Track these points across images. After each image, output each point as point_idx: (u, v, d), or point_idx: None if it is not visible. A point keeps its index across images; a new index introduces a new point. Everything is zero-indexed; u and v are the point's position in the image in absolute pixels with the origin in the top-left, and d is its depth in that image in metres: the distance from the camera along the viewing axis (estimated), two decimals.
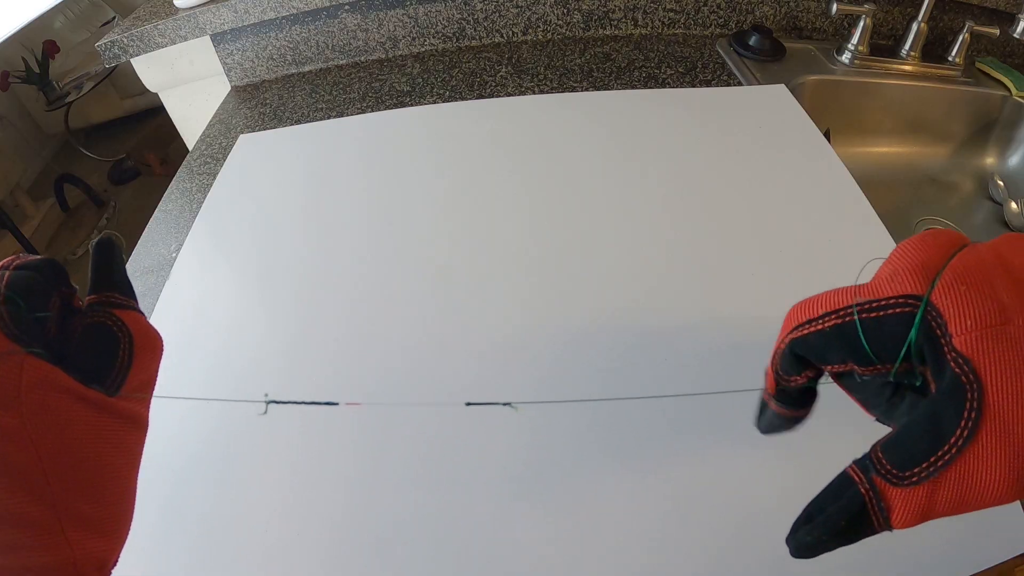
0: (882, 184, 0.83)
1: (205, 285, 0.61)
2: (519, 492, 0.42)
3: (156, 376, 0.26)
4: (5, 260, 0.23)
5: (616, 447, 0.44)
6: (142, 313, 0.26)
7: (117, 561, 0.23)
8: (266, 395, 0.44)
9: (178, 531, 0.43)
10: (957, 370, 0.19)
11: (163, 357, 0.27)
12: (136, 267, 0.64)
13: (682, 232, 0.59)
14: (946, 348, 0.20)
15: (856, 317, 0.22)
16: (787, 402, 0.25)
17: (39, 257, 0.24)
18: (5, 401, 0.20)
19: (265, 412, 0.41)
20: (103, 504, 0.22)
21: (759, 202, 0.62)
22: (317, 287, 0.58)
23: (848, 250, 0.56)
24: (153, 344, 0.25)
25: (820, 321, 0.23)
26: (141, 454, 0.25)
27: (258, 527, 0.42)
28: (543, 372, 0.49)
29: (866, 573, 0.37)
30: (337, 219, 0.65)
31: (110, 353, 0.23)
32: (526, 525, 0.41)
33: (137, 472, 0.25)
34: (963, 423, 0.19)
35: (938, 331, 0.20)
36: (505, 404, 0.43)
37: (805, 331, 0.23)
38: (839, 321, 0.22)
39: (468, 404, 0.45)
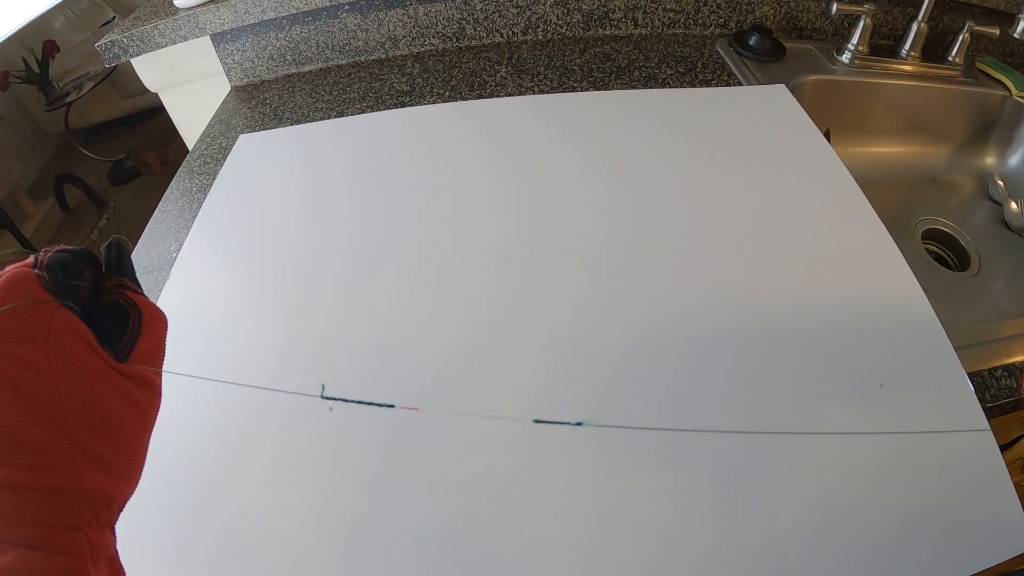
0: (882, 184, 0.83)
1: (205, 285, 0.61)
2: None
3: (164, 345, 0.30)
4: (49, 247, 0.27)
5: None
6: (147, 297, 0.30)
7: (123, 507, 0.26)
8: (323, 386, 0.43)
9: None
10: None
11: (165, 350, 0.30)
12: (136, 267, 0.63)
13: (681, 232, 0.59)
14: None
15: None
16: None
17: (78, 247, 0.28)
18: (36, 337, 0.24)
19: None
20: (113, 447, 0.25)
21: (759, 202, 0.62)
22: (314, 288, 0.58)
23: (848, 250, 0.56)
24: (158, 317, 0.29)
25: None
26: (154, 415, 0.28)
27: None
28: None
29: (869, 573, 0.37)
30: (337, 219, 0.65)
31: (123, 323, 0.28)
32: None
33: (150, 431, 0.28)
34: None
35: None
36: (576, 424, 0.40)
37: None
38: None
39: (536, 421, 0.42)
